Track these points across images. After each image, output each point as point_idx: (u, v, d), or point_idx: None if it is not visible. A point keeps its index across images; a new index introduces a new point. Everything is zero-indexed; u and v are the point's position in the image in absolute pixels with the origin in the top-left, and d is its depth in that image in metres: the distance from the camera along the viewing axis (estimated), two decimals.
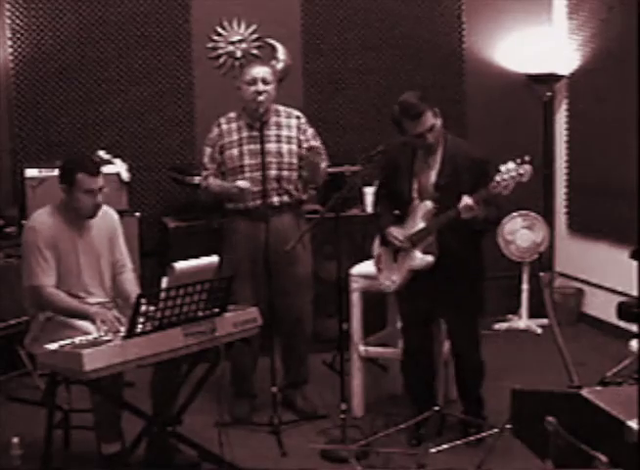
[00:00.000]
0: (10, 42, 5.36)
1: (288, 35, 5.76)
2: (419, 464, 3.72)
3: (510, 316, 6.06)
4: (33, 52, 5.41)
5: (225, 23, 5.71)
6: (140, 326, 3.28)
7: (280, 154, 4.31)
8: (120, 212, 4.14)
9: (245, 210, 4.32)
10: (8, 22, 5.35)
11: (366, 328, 4.42)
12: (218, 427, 3.62)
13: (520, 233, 5.94)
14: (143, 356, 3.25)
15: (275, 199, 4.31)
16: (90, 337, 3.39)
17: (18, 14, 5.37)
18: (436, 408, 3.97)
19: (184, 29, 5.65)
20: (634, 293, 4.56)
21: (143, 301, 3.25)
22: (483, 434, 3.87)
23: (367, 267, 4.27)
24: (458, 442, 3.87)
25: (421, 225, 3.84)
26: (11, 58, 5.38)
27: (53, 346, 3.27)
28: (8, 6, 5.34)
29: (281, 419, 4.17)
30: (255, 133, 4.23)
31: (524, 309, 5.99)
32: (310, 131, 4.43)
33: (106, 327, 3.48)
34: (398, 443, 3.95)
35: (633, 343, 4.55)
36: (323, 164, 4.39)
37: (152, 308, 3.34)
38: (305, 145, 4.36)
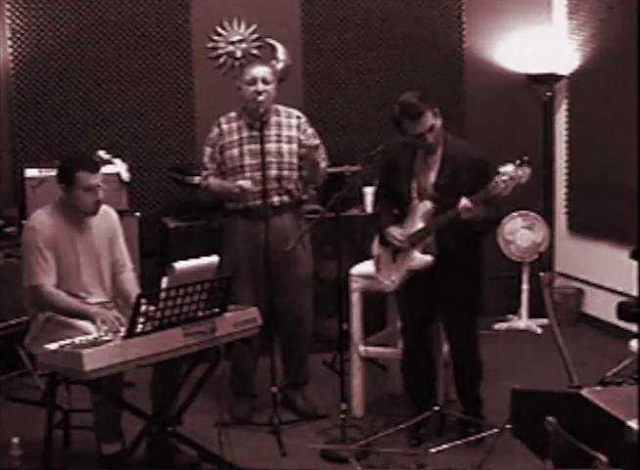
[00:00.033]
0: (10, 42, 5.36)
1: (288, 35, 5.75)
2: (419, 464, 3.72)
3: (510, 316, 6.06)
4: (33, 52, 5.41)
5: (225, 23, 5.71)
6: (140, 326, 3.28)
7: (280, 154, 4.31)
8: (120, 212, 4.14)
9: (245, 209, 4.32)
10: (8, 22, 5.35)
11: (366, 328, 4.42)
12: (218, 427, 3.62)
13: (520, 233, 5.94)
14: (143, 356, 3.25)
15: (275, 199, 4.31)
16: (90, 337, 3.39)
17: (18, 14, 5.37)
18: (436, 408, 3.98)
19: (184, 29, 5.65)
20: (634, 293, 4.56)
21: (143, 301, 3.25)
22: (483, 434, 3.88)
23: (367, 267, 4.27)
24: (458, 442, 3.87)
25: (420, 225, 3.84)
26: (11, 58, 5.38)
27: (53, 346, 3.27)
28: (8, 6, 5.34)
29: (281, 419, 4.17)
30: (256, 133, 4.23)
31: (524, 309, 5.99)
32: (310, 131, 4.43)
33: (106, 327, 3.48)
34: (398, 443, 3.94)
35: (633, 343, 4.55)
36: (323, 164, 4.39)
37: (152, 308, 3.34)
38: (305, 143, 4.36)
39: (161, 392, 3.71)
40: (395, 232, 3.91)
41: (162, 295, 3.28)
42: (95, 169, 3.74)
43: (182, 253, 3.91)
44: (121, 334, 3.34)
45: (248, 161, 4.30)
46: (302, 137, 4.37)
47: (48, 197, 4.07)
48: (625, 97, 5.20)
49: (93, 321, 3.55)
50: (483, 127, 6.00)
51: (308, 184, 4.46)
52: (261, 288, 4.28)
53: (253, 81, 4.26)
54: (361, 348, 4.40)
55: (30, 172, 4.94)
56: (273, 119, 4.35)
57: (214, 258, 3.55)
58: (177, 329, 3.35)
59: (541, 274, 5.98)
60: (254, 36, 5.74)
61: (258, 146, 4.17)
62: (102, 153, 5.21)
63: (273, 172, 4.27)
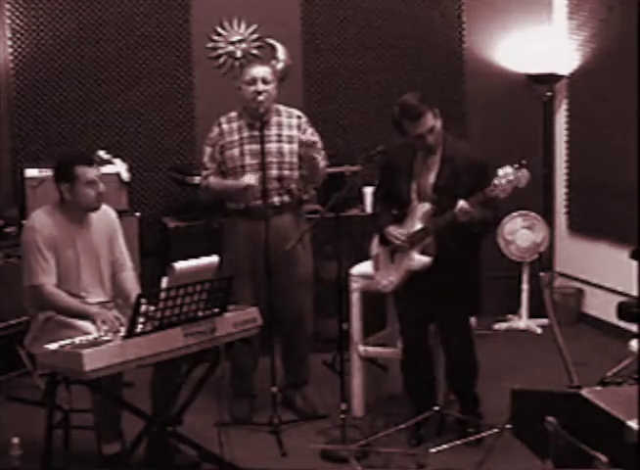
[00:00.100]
0: (10, 42, 5.36)
1: (288, 35, 5.76)
2: (419, 464, 3.72)
3: (510, 316, 6.06)
4: (33, 52, 5.41)
5: (225, 23, 5.71)
6: (140, 326, 3.28)
7: (281, 153, 4.31)
8: (120, 212, 4.15)
9: (245, 209, 4.32)
10: (8, 22, 5.35)
11: (366, 328, 4.42)
12: (218, 427, 3.62)
13: (520, 233, 5.94)
14: (143, 356, 3.25)
15: (276, 199, 4.31)
16: (90, 337, 3.39)
17: (18, 14, 5.37)
18: (436, 408, 3.98)
19: (184, 29, 5.65)
20: (634, 293, 4.56)
21: (143, 301, 3.25)
22: (483, 434, 3.88)
23: (367, 267, 4.27)
24: (458, 442, 3.87)
25: (419, 226, 3.84)
26: (11, 58, 5.38)
27: (53, 346, 3.27)
28: (8, 6, 5.35)
29: (281, 419, 4.17)
30: (256, 133, 4.23)
31: (524, 309, 5.99)
32: (310, 131, 4.43)
33: (106, 327, 3.48)
34: (398, 443, 3.94)
35: (633, 343, 4.55)
36: (322, 164, 4.39)
37: (152, 308, 3.34)
38: (302, 139, 4.34)
39: (161, 392, 3.71)
40: (395, 231, 3.91)
41: (162, 295, 3.28)
42: (91, 163, 3.80)
43: (182, 253, 3.91)
44: (121, 334, 3.34)
45: (248, 161, 4.30)
46: (303, 137, 4.37)
47: (48, 197, 4.06)
48: (625, 97, 5.19)
49: (93, 321, 3.55)
50: (483, 127, 6.00)
51: (309, 184, 4.46)
52: (261, 288, 4.28)
53: (253, 81, 4.26)
54: (361, 348, 4.40)
55: (30, 172, 4.95)
56: (274, 119, 4.34)
57: (214, 258, 3.55)
58: (177, 329, 3.35)
59: (541, 274, 5.98)
60: (254, 36, 5.74)
61: (259, 146, 4.17)
62: (102, 153, 5.21)
63: (274, 172, 4.27)
